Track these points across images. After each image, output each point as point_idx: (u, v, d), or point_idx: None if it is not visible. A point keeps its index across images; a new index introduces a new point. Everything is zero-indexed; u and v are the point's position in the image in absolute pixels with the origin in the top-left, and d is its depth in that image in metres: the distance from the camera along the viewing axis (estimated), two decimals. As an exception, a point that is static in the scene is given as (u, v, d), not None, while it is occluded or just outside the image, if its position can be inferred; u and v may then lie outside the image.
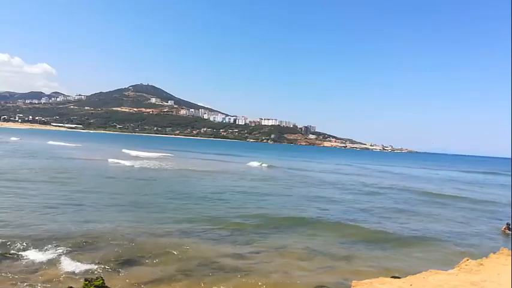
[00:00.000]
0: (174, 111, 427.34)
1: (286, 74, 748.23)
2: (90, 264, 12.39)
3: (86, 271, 11.71)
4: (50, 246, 13.74)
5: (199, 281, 11.75)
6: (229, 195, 28.87)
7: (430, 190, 42.84)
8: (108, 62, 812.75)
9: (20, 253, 12.84)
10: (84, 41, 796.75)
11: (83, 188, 27.38)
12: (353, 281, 10.35)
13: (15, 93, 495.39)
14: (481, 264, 11.81)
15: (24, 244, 13.73)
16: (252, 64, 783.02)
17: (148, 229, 17.16)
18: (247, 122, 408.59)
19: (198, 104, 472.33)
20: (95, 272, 11.55)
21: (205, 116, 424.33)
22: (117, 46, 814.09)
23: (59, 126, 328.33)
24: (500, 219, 26.34)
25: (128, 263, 12.80)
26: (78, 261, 12.56)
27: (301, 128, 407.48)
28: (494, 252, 13.59)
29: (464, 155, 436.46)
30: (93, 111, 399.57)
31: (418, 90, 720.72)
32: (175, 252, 14.20)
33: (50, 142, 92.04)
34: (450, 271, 11.43)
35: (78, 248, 13.86)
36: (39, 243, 14.01)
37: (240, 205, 25.08)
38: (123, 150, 75.22)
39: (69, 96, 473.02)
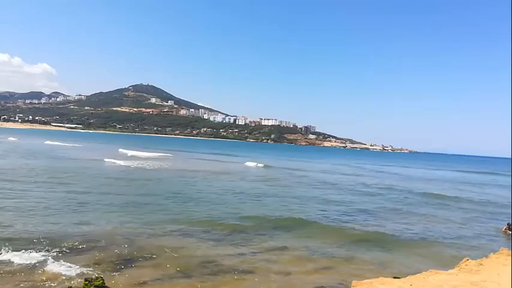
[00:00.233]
0: (174, 111, 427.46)
1: (286, 74, 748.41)
2: (90, 264, 12.39)
3: (86, 271, 11.71)
4: (49, 246, 13.73)
5: (199, 281, 11.75)
6: (225, 196, 28.83)
7: (429, 190, 42.82)
8: (108, 62, 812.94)
9: (19, 253, 12.82)
10: (84, 41, 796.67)
11: (77, 188, 27.34)
12: (353, 281, 10.36)
13: (15, 93, 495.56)
14: (481, 264, 11.81)
15: (23, 244, 13.72)
16: (252, 64, 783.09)
17: (147, 229, 17.15)
18: (247, 122, 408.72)
19: (198, 104, 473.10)
20: (95, 272, 11.54)
21: (205, 116, 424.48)
22: (117, 46, 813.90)
23: (59, 126, 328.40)
24: (500, 220, 26.35)
25: (128, 263, 12.80)
26: (78, 261, 12.56)
27: (301, 128, 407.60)
28: (494, 252, 13.60)
29: (464, 155, 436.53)
30: (93, 111, 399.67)
31: (418, 90, 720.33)
32: (174, 253, 14.19)
33: (47, 142, 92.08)
34: (450, 271, 11.44)
35: (77, 248, 13.85)
36: (38, 243, 14.01)
37: (237, 206, 25.06)
38: (120, 150, 75.14)
39: (69, 96, 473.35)
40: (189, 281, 11.72)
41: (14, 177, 29.80)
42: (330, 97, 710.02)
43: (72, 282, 10.82)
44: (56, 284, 10.78)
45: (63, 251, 13.43)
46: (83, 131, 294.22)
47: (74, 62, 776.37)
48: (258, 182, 40.33)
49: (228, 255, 14.44)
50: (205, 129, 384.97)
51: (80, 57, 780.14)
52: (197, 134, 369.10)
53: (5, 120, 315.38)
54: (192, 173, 44.32)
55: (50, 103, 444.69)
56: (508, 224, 22.66)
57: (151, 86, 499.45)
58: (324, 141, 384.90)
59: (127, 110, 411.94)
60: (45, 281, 10.87)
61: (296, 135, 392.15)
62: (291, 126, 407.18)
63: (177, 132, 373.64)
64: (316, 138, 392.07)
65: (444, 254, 16.99)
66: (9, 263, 11.98)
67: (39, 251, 13.16)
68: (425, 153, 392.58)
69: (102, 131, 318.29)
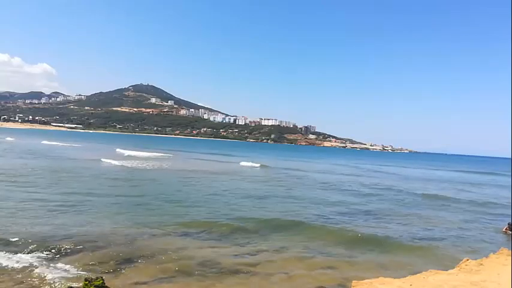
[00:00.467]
0: (174, 111, 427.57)
1: (286, 74, 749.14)
2: (90, 264, 12.40)
3: (86, 271, 11.72)
4: (48, 246, 13.72)
5: (199, 282, 11.75)
6: (223, 196, 28.70)
7: (429, 191, 42.84)
8: (108, 62, 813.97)
9: (18, 254, 12.82)
10: (84, 41, 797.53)
11: (74, 187, 27.28)
12: (353, 281, 10.36)
13: (15, 93, 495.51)
14: (481, 264, 11.82)
15: (22, 245, 13.72)
16: (252, 64, 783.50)
17: (147, 230, 17.15)
18: (247, 122, 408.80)
19: (198, 104, 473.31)
20: (95, 272, 11.54)
21: (205, 116, 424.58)
22: (117, 46, 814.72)
23: (59, 126, 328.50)
24: (500, 220, 26.34)
25: (128, 263, 12.80)
26: (78, 261, 12.57)
27: (301, 128, 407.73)
28: (494, 252, 13.60)
29: (464, 155, 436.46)
30: (93, 111, 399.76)
31: (418, 90, 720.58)
32: (174, 253, 14.19)
33: (44, 142, 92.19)
34: (450, 271, 11.45)
35: (77, 248, 13.84)
36: (37, 243, 13.99)
37: (235, 206, 25.03)
38: (117, 150, 75.02)
39: (69, 96, 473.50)
40: (189, 281, 11.72)
41: (12, 177, 29.75)
42: (330, 97, 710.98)
43: (72, 282, 10.83)
44: (55, 284, 10.78)
45: (62, 251, 13.43)
46: (82, 131, 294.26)
47: (74, 62, 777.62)
48: (255, 182, 40.27)
49: (227, 256, 14.44)
50: (205, 129, 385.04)
51: (80, 57, 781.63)
52: (197, 134, 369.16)
53: (5, 120, 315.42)
54: (188, 173, 44.27)
55: (50, 103, 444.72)
56: (508, 224, 22.63)
57: (151, 86, 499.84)
58: (324, 141, 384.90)
59: (127, 110, 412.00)
60: (45, 281, 10.87)
61: (296, 135, 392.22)
62: (291, 126, 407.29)
63: (177, 132, 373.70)
64: (316, 138, 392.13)
65: (444, 254, 16.98)
66: (8, 263, 11.97)
67: (39, 252, 13.15)
68: (425, 153, 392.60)
69: (102, 131, 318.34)
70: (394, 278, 10.90)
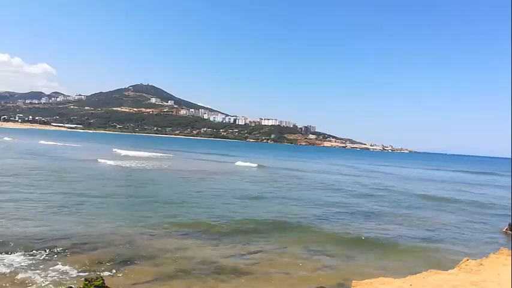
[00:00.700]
0: (174, 111, 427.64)
1: (286, 74, 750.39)
2: (90, 264, 12.40)
3: (86, 271, 11.72)
4: (48, 246, 13.73)
5: (199, 282, 11.75)
6: (220, 197, 28.65)
7: (428, 191, 42.85)
8: (108, 62, 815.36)
9: (18, 254, 12.82)
10: (84, 41, 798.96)
11: (70, 188, 27.25)
12: (353, 281, 10.36)
13: (15, 93, 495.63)
14: (481, 264, 11.81)
15: (21, 245, 13.72)
16: (252, 64, 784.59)
17: (146, 230, 17.15)
18: (247, 122, 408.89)
19: (198, 104, 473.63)
20: (95, 272, 11.54)
21: (205, 116, 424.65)
22: (117, 46, 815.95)
23: (59, 126, 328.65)
24: (500, 220, 26.34)
25: (128, 263, 12.80)
26: (78, 261, 12.56)
27: (301, 128, 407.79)
28: (494, 252, 13.60)
29: (464, 155, 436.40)
30: (93, 111, 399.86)
31: (418, 90, 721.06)
32: (174, 253, 14.19)
33: (42, 142, 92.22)
34: (450, 271, 11.44)
35: (77, 248, 13.85)
36: (37, 244, 14.00)
37: (233, 206, 25.05)
38: (115, 150, 74.85)
39: (69, 96, 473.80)
40: (189, 281, 11.71)
41: (8, 177, 29.74)
42: (330, 97, 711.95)
43: (72, 282, 10.82)
44: (55, 284, 10.78)
45: (62, 251, 13.42)
46: (82, 131, 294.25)
47: (74, 62, 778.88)
48: (252, 182, 40.22)
49: (227, 256, 14.44)
50: (205, 129, 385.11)
51: (80, 57, 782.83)
52: (197, 134, 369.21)
53: (5, 120, 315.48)
54: (186, 173, 44.25)
55: (50, 103, 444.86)
56: (509, 225, 22.61)
57: (151, 86, 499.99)
58: (324, 141, 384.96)
59: (127, 110, 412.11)
60: (45, 281, 10.86)
61: (296, 135, 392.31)
62: (291, 126, 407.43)
63: (177, 132, 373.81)
64: (316, 138, 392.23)
65: (444, 254, 16.98)
66: (8, 264, 11.97)
67: (38, 252, 13.14)
68: (425, 153, 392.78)
69: (102, 131, 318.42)
70: (394, 278, 10.89)
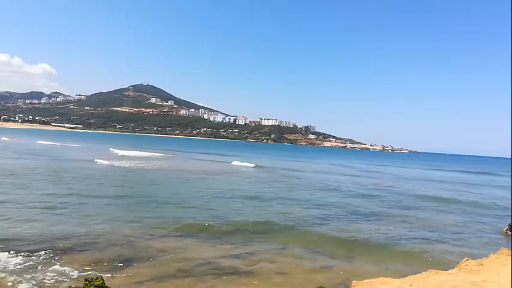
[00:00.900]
0: (174, 111, 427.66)
1: (286, 74, 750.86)
2: (90, 264, 12.40)
3: (86, 271, 11.71)
4: (48, 247, 13.72)
5: (199, 281, 11.75)
6: (218, 197, 28.60)
7: (428, 191, 42.85)
8: (108, 62, 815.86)
9: (18, 254, 12.81)
10: (84, 41, 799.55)
11: (68, 188, 27.23)
12: (353, 281, 10.37)
13: (15, 93, 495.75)
14: (481, 264, 11.82)
15: (21, 245, 13.72)
16: (252, 64, 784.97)
17: (146, 230, 17.15)
18: (247, 122, 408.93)
19: (198, 104, 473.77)
20: (95, 272, 11.54)
21: (205, 116, 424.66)
22: (117, 46, 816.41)
23: (59, 126, 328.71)
24: (499, 220, 26.35)
25: (128, 263, 12.80)
26: (78, 261, 12.56)
27: (301, 128, 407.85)
28: (494, 252, 13.60)
29: (464, 155, 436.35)
30: (93, 111, 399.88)
31: (418, 90, 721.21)
32: (174, 253, 14.19)
33: (40, 142, 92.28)
34: (450, 271, 11.44)
35: (77, 248, 13.85)
36: (36, 244, 14.00)
37: (232, 207, 25.01)
38: (112, 150, 74.69)
39: (69, 96, 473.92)
40: (189, 281, 11.71)
41: (5, 178, 29.72)
42: (330, 97, 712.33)
43: (72, 282, 10.82)
44: (56, 284, 10.78)
45: (62, 251, 13.42)
46: (82, 131, 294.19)
47: (74, 62, 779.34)
48: (251, 183, 40.18)
49: (227, 256, 14.43)
50: (205, 129, 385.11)
51: (80, 57, 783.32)
52: (197, 134, 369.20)
53: (5, 120, 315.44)
54: (184, 173, 44.21)
55: (50, 103, 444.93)
56: (509, 225, 22.58)
57: (151, 86, 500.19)
58: (324, 141, 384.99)
59: (127, 110, 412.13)
60: (45, 282, 10.86)
61: (296, 135, 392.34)
62: (291, 126, 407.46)
63: (177, 132, 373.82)
64: (316, 138, 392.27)
65: (444, 254, 16.97)
66: (8, 264, 11.97)
67: (38, 252, 13.14)
68: (425, 153, 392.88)
69: (102, 131, 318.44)
70: (394, 278, 10.90)
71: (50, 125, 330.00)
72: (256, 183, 38.84)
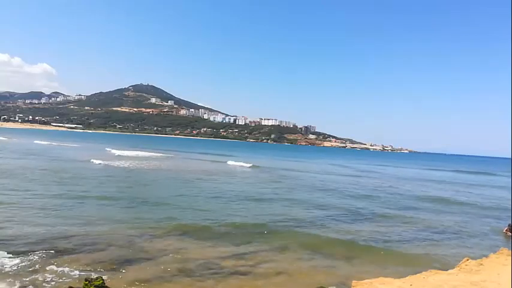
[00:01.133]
0: (174, 111, 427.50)
1: (286, 74, 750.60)
2: (90, 264, 12.39)
3: (86, 271, 11.71)
4: (47, 247, 13.72)
5: (199, 282, 11.75)
6: (215, 197, 28.63)
7: (428, 192, 42.84)
8: (108, 62, 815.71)
9: (18, 254, 12.82)
10: (84, 41, 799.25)
11: (66, 188, 27.23)
12: (353, 281, 10.36)
13: (15, 93, 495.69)
14: (481, 264, 11.81)
15: (21, 246, 13.72)
16: (252, 64, 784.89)
17: (146, 230, 17.15)
18: (247, 122, 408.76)
19: (198, 104, 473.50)
20: (95, 272, 11.54)
21: (205, 116, 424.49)
22: (117, 46, 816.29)
23: (59, 126, 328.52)
24: (499, 220, 26.34)
25: (128, 263, 12.80)
26: (78, 261, 12.56)
27: (301, 128, 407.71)
28: (494, 252, 13.60)
29: (464, 155, 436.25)
30: (93, 111, 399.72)
31: (418, 90, 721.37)
32: (174, 253, 14.19)
33: (36, 141, 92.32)
34: (450, 271, 11.44)
35: (77, 248, 13.84)
36: (36, 244, 14.00)
37: (231, 207, 25.06)
38: (109, 150, 74.51)
39: (69, 96, 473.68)
40: (188, 281, 11.71)
41: (2, 178, 29.70)
42: (330, 97, 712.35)
43: (72, 282, 10.82)
44: (56, 284, 10.78)
45: (62, 251, 13.42)
46: (82, 131, 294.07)
47: (74, 62, 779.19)
48: (249, 184, 40.15)
49: (228, 255, 14.44)
50: (205, 129, 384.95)
51: (80, 57, 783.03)
52: (197, 134, 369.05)
53: (5, 120, 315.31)
54: (182, 173, 44.23)
55: (50, 103, 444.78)
56: (509, 225, 22.56)
57: (151, 86, 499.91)
58: (324, 141, 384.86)
59: (127, 110, 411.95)
60: (45, 282, 10.86)
61: (296, 135, 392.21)
62: (291, 126, 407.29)
63: (177, 132, 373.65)
64: (316, 138, 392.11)
65: (444, 254, 16.98)
66: (8, 264, 11.97)
67: (38, 252, 13.13)
68: (425, 153, 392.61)
69: (102, 131, 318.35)
70: (394, 278, 10.89)
71: (50, 125, 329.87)
72: (255, 184, 38.83)
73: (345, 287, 11.89)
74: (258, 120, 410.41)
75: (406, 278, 10.72)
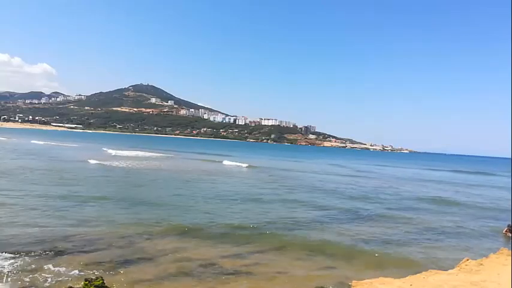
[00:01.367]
0: (174, 111, 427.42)
1: (286, 74, 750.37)
2: (90, 264, 12.39)
3: (86, 271, 11.70)
4: (47, 247, 13.72)
5: (199, 282, 11.74)
6: (214, 197, 28.58)
7: (428, 192, 42.82)
8: (108, 62, 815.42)
9: (18, 254, 12.81)
10: (84, 41, 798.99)
11: (65, 187, 27.24)
12: (353, 281, 10.37)
13: (15, 93, 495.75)
14: (481, 264, 11.82)
15: (21, 246, 13.71)
16: (252, 64, 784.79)
17: (145, 230, 17.14)
18: (247, 122, 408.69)
19: (198, 104, 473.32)
20: (95, 272, 11.53)
21: (205, 116, 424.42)
22: (117, 46, 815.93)
23: (59, 126, 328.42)
24: (499, 221, 26.33)
25: (128, 263, 12.79)
26: (78, 261, 12.55)
27: (301, 128, 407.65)
28: (494, 252, 13.61)
29: (464, 155, 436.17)
30: (93, 111, 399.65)
31: (418, 90, 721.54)
32: (174, 253, 14.19)
33: (33, 141, 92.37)
34: (450, 271, 11.45)
35: (77, 248, 13.84)
36: (36, 244, 13.99)
37: (230, 207, 25.04)
38: (107, 150, 74.43)
39: (69, 96, 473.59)
40: (188, 281, 11.71)
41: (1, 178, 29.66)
42: (330, 97, 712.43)
43: (72, 282, 10.81)
44: (55, 284, 10.77)
45: (62, 251, 13.41)
46: (82, 131, 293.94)
47: (74, 62, 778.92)
48: (248, 184, 40.11)
49: (227, 256, 14.44)
50: (205, 129, 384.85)
51: (80, 57, 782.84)
52: (197, 134, 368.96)
53: (5, 120, 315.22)
54: (180, 173, 44.20)
55: (50, 103, 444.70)
56: (508, 226, 22.54)
57: (151, 86, 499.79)
58: (324, 141, 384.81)
59: (127, 110, 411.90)
60: (45, 282, 10.85)
61: (296, 135, 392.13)
62: (291, 126, 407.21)
63: (177, 132, 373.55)
64: (316, 138, 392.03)
65: (444, 254, 16.98)
66: (8, 265, 11.96)
67: (38, 252, 13.13)
68: (425, 153, 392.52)
69: (102, 131, 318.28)
70: (394, 278, 10.90)
71: (50, 125, 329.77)
72: (254, 184, 38.79)
73: (345, 287, 11.89)
74: (258, 120, 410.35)
75: (406, 278, 10.73)
